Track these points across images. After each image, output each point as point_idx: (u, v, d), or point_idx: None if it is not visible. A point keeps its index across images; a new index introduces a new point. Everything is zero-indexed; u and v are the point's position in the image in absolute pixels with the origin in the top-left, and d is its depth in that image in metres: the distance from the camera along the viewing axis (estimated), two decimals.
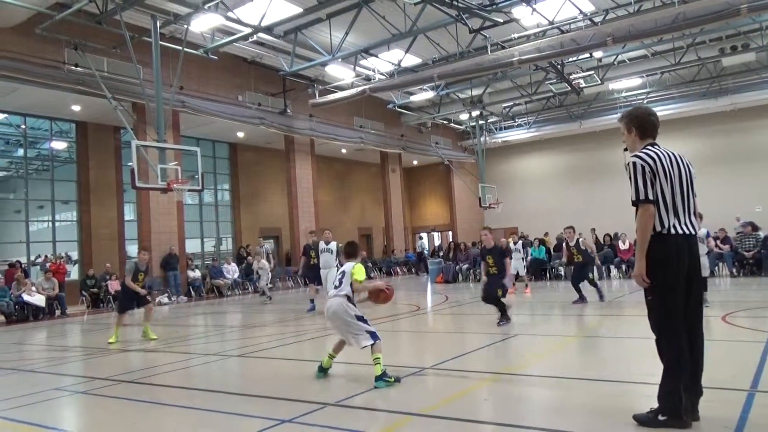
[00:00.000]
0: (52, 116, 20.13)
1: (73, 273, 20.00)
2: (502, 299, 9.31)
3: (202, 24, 16.39)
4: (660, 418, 3.79)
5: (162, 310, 16.27)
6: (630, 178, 3.91)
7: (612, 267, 18.76)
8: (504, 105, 28.81)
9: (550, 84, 24.09)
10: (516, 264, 14.70)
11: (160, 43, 15.74)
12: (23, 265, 17.73)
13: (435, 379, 5.87)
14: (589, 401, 4.73)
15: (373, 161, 30.88)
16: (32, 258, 19.44)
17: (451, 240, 30.79)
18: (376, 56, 20.51)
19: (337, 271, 6.24)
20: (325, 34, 18.33)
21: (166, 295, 17.93)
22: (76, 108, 18.92)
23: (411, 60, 21.12)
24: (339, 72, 21.22)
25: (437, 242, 34.88)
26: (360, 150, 28.38)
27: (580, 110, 29.29)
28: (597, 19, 17.84)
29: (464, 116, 29.89)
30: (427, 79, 20.03)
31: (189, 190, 15.63)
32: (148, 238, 18.54)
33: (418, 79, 20.45)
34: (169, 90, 16.45)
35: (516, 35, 19.33)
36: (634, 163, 3.90)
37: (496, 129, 32.35)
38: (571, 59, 21.18)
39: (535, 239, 20.99)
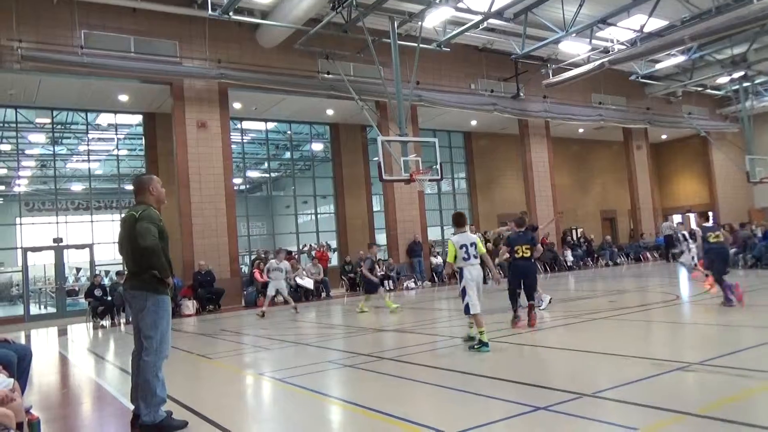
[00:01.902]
0: (310, 121, 22.78)
1: (333, 260, 22.41)
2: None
3: (435, 18, 16.96)
4: None
5: (408, 295, 17.34)
6: None
7: None
8: None
9: None
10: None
11: (398, 42, 16.70)
12: (294, 254, 20.42)
13: (706, 377, 5.25)
14: None
15: (614, 139, 28.79)
16: (300, 247, 22.30)
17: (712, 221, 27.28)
18: (615, 25, 18.99)
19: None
20: (557, 9, 17.58)
21: (412, 280, 19.02)
22: (330, 111, 21.12)
23: (655, 24, 19.11)
24: (573, 48, 20.21)
25: (693, 224, 31.18)
26: (599, 128, 26.69)
27: None
28: None
29: (723, 80, 26.11)
30: (676, 42, 18.00)
31: (429, 180, 16.34)
32: (394, 227, 19.89)
33: (665, 43, 18.49)
34: (407, 86, 17.37)
35: None
36: None
37: (765, 91, 27.64)
38: None
39: None
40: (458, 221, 7.50)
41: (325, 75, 18.45)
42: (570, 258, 23.79)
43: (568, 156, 28.65)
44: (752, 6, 15.74)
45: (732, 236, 19.03)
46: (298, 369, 6.83)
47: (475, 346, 6.99)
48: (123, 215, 5.03)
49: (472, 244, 7.25)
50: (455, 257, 7.23)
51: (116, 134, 20.23)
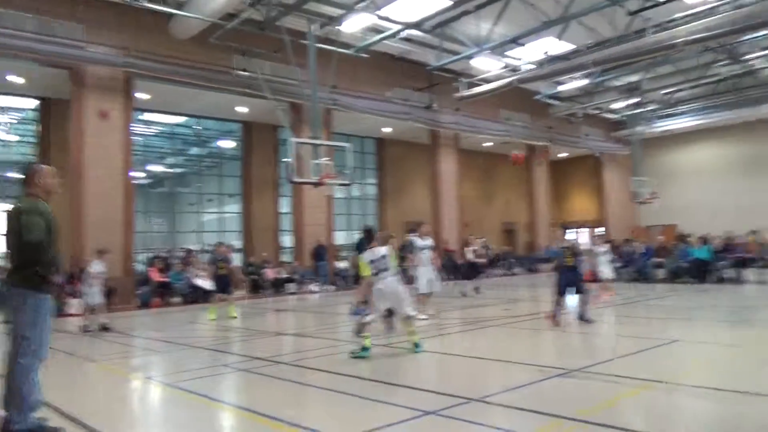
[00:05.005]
0: (221, 117, 22.16)
1: (236, 260, 21.83)
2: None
3: (354, 24, 17.03)
4: None
5: (312, 298, 17.27)
6: None
7: None
8: (664, 91, 26.55)
9: (720, 66, 21.80)
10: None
11: (316, 45, 16.62)
12: (194, 253, 19.74)
13: (584, 383, 5.62)
14: (764, 420, 4.26)
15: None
16: (203, 246, 21.61)
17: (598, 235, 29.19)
18: (525, 46, 19.91)
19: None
20: (472, 26, 18.18)
21: (316, 283, 18.94)
22: (243, 109, 20.63)
23: (562, 47, 20.20)
24: (486, 64, 20.91)
25: (585, 238, 33.19)
26: (506, 143, 27.81)
27: (755, 94, 26.14)
28: None
29: (618, 105, 28.02)
30: (580, 66, 18.99)
31: (339, 185, 16.35)
32: (301, 230, 19.74)
33: (570, 66, 19.47)
34: (323, 89, 17.30)
35: (680, 15, 17.72)
36: None
37: (654, 117, 29.96)
38: (746, 38, 18.93)
39: (697, 238, 19.18)
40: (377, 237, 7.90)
41: (240, 72, 18.03)
42: None
43: (475, 168, 29.61)
44: (647, 39, 16.98)
45: (618, 251, 20.49)
46: (191, 373, 6.62)
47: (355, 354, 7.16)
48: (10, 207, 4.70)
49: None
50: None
51: (7, 118, 18.73)
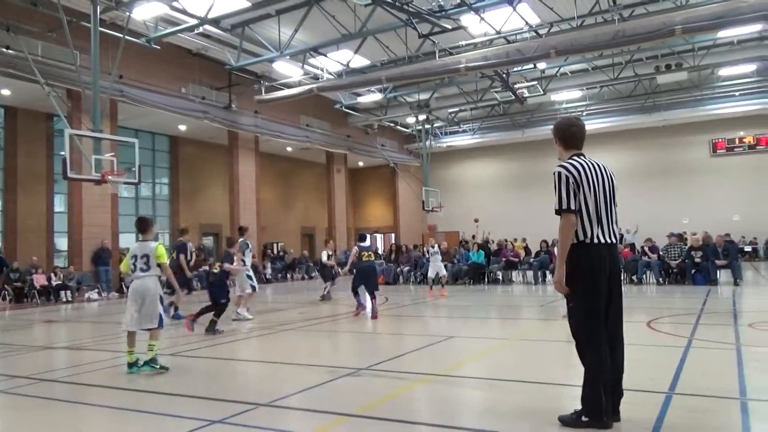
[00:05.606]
0: None
1: None
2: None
3: (146, 12, 15.89)
4: (583, 419, 3.93)
5: (91, 307, 15.67)
6: (554, 187, 4.01)
7: (548, 272, 19.28)
8: (450, 110, 29.24)
9: (495, 92, 24.63)
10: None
11: (100, 29, 15.14)
12: None
13: (370, 380, 5.89)
14: (518, 402, 4.85)
15: (318, 161, 30.71)
16: None
17: (393, 242, 31.01)
18: (325, 55, 20.41)
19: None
20: (273, 30, 18.13)
21: (96, 290, 17.23)
22: (5, 92, 17.96)
23: (360, 61, 21.12)
24: (287, 69, 20.99)
25: (379, 244, 35.03)
26: (306, 149, 28.16)
27: (523, 119, 30.07)
28: (542, 32, 18.34)
29: (411, 120, 30.13)
30: (375, 80, 20.07)
31: (125, 183, 15.09)
32: (80, 231, 17.81)
33: (366, 80, 20.47)
34: (107, 78, 15.85)
35: (464, 43, 19.65)
36: (558, 173, 4.00)
37: (441, 134, 32.77)
38: (515, 69, 21.69)
39: (474, 243, 21.37)
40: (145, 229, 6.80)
41: (4, 49, 15.70)
42: (269, 271, 24.47)
43: (275, 172, 29.51)
44: (435, 61, 18.53)
45: (406, 255, 21.93)
46: None
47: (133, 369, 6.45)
48: None
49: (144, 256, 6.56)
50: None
51: None
